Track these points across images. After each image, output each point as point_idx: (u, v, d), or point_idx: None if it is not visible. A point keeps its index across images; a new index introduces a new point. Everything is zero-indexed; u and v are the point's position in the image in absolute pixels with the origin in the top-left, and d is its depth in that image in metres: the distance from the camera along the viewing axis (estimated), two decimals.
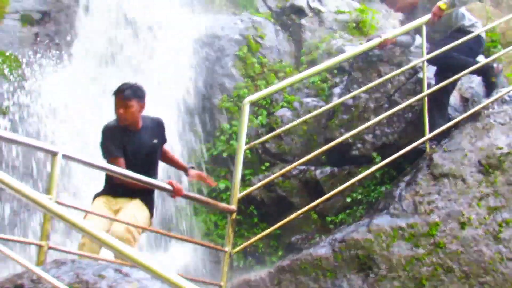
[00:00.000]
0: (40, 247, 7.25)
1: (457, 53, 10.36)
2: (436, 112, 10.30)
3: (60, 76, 14.18)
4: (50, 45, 14.68)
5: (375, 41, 10.44)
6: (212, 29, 14.61)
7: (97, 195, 9.39)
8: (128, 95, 8.86)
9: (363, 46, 11.06)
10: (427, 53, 10.11)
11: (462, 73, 10.01)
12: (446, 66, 10.47)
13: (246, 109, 9.78)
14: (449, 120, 10.26)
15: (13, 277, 6.22)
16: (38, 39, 14.70)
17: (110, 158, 8.86)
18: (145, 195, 9.07)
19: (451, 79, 10.00)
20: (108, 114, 13.84)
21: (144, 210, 9.03)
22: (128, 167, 8.58)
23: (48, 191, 7.36)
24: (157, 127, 9.44)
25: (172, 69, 14.37)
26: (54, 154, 7.64)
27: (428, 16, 10.35)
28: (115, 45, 14.80)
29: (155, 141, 9.21)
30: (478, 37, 10.74)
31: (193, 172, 9.38)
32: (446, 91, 10.46)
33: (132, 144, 8.95)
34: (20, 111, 13.24)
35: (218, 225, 12.80)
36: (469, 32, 10.60)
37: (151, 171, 9.08)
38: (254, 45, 14.32)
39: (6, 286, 6.12)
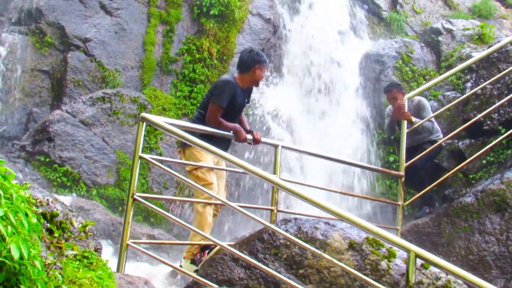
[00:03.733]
0: (271, 211, 7.35)
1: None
2: None
3: (276, 89, 14.37)
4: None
5: (499, 44, 10.31)
6: (376, 50, 14.45)
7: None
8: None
9: (485, 52, 10.81)
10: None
11: None
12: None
13: (406, 104, 9.79)
14: None
15: (257, 233, 6.33)
16: None
17: (217, 104, 7.57)
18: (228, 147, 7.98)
19: None
20: (310, 111, 14.00)
21: None
22: (223, 117, 7.61)
23: (274, 171, 7.44)
24: (251, 90, 8.29)
25: (350, 78, 14.34)
26: (276, 146, 7.76)
27: None
28: (308, 63, 14.85)
29: (246, 100, 8.10)
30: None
31: (255, 134, 7.88)
32: None
33: (237, 99, 7.79)
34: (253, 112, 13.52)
35: (391, 187, 12.66)
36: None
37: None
38: (406, 58, 14.07)
39: (252, 238, 6.21)
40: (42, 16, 13.40)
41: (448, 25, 14.96)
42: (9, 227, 2.99)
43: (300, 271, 5.84)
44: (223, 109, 7.57)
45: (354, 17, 16.18)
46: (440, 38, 14.68)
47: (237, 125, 7.70)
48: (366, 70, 14.32)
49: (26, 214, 3.23)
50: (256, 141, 7.77)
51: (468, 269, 8.56)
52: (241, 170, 6.14)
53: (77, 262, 4.01)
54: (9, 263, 2.93)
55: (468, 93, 11.05)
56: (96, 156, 11.89)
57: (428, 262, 4.89)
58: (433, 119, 10.68)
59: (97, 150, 11.97)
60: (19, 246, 2.99)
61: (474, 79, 12.47)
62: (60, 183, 11.28)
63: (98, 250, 4.52)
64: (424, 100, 10.85)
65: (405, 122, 9.80)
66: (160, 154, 12.28)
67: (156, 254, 9.49)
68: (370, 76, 14.11)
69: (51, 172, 11.36)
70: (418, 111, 10.45)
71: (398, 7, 16.46)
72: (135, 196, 5.92)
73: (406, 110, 10.00)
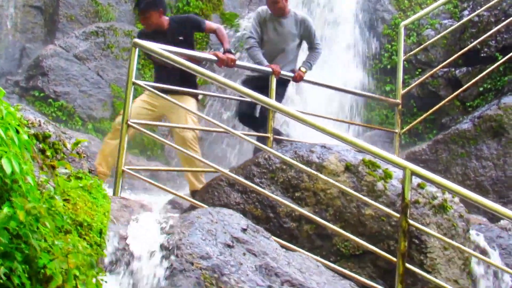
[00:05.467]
0: (267, 138, 7.33)
1: None
2: None
3: None
4: (260, 4, 14.70)
5: None
6: None
7: None
8: (143, 8, 7.43)
9: None
10: None
11: None
12: None
13: (402, 31, 9.73)
14: None
15: (252, 158, 6.34)
16: (252, 1, 14.78)
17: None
18: (188, 86, 7.29)
19: None
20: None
21: (193, 101, 7.51)
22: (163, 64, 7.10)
23: (269, 96, 7.39)
24: (182, 24, 7.68)
25: (347, 9, 14.12)
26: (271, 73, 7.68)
27: None
28: None
29: (181, 38, 7.48)
30: None
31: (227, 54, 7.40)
32: None
33: (161, 43, 6.83)
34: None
35: (388, 117, 12.66)
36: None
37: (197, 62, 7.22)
38: None
39: (248, 164, 6.21)
40: None
41: None
42: None
43: (297, 194, 5.85)
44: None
45: None
46: None
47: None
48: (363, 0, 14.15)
49: (17, 131, 3.18)
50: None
51: None
52: (238, 97, 6.08)
53: (71, 183, 3.98)
54: (0, 174, 2.89)
55: (465, 19, 10.94)
56: (90, 90, 11.85)
57: (423, 179, 4.89)
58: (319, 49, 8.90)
59: (91, 84, 11.93)
60: (10, 160, 2.94)
61: (471, 6, 12.37)
62: (55, 117, 11.25)
63: (92, 171, 4.50)
64: (310, 21, 8.90)
65: (401, 52, 9.67)
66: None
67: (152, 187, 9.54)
68: (366, 6, 13.95)
69: (46, 107, 11.34)
70: (304, 32, 8.69)
71: None
72: (129, 122, 5.88)
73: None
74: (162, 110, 7.54)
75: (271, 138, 7.35)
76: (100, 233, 3.68)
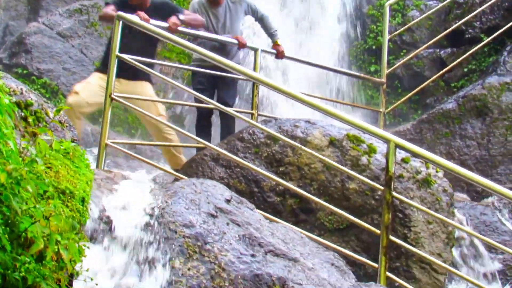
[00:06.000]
0: (252, 114, 7.31)
1: None
2: None
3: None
4: None
5: None
6: None
7: (96, 70, 7.85)
8: None
9: None
10: None
11: None
12: None
13: (387, 10, 9.77)
14: None
15: (237, 133, 6.33)
16: None
17: (105, 5, 7.27)
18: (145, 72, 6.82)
19: None
20: (291, 29, 13.73)
21: (149, 85, 7.47)
22: (132, 39, 6.77)
23: (254, 69, 7.37)
24: (160, 8, 7.44)
25: None
26: (255, 50, 7.65)
27: None
28: None
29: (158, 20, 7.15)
30: None
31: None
32: None
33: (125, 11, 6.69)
34: None
35: (373, 97, 12.65)
36: None
37: (154, 46, 7.57)
38: None
39: (232, 139, 6.20)
40: None
41: None
42: None
43: (281, 169, 5.85)
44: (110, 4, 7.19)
45: None
46: None
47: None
48: None
49: None
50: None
51: None
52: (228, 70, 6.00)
53: (53, 151, 3.93)
54: None
55: (449, 0, 10.96)
56: (74, 68, 11.74)
57: (408, 152, 4.88)
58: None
59: (75, 62, 11.81)
60: None
61: None
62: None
63: (75, 141, 4.45)
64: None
65: (386, 31, 9.67)
66: None
67: (135, 163, 9.48)
68: None
69: (29, 84, 11.19)
70: (248, 11, 8.43)
71: None
72: (113, 96, 5.85)
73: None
74: None
75: (256, 114, 7.34)
76: (83, 201, 3.64)
